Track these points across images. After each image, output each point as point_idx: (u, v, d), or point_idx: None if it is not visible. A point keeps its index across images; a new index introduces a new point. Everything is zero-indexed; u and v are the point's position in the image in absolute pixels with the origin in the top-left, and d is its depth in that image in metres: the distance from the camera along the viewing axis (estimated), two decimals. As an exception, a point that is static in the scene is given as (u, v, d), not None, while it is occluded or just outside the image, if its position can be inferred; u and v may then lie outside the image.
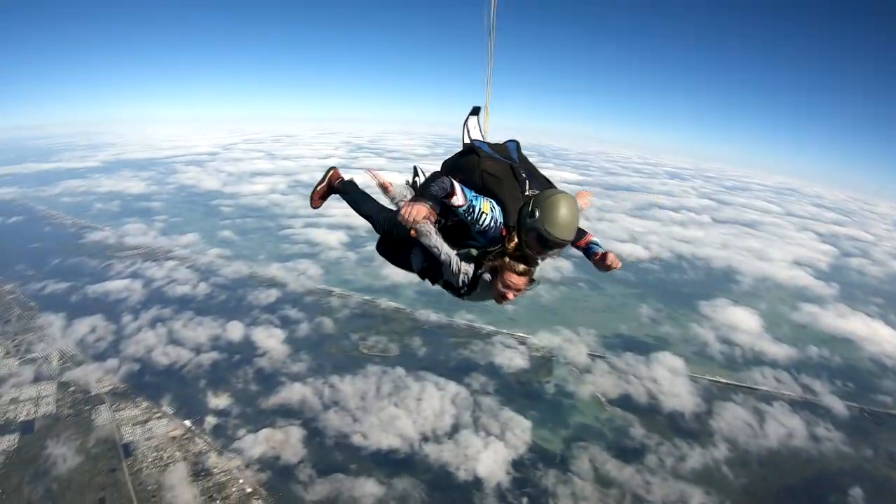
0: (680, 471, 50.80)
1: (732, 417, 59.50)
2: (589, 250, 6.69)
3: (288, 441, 50.86)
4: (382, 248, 7.12)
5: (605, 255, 6.42)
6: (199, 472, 46.84)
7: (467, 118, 7.65)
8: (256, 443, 50.37)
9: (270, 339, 69.82)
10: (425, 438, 52.05)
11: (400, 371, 62.61)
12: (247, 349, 67.71)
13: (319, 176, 7.58)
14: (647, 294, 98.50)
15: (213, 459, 48.49)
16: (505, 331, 75.88)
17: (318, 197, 7.53)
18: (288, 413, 55.52)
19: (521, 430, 54.32)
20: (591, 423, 58.09)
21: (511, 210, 5.86)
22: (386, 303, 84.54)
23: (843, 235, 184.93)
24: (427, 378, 61.30)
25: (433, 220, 5.61)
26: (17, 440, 49.93)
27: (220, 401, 57.13)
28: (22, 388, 58.19)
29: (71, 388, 58.41)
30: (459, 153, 6.93)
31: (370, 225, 7.08)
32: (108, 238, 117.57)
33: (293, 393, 58.44)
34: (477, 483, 47.20)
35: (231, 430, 52.55)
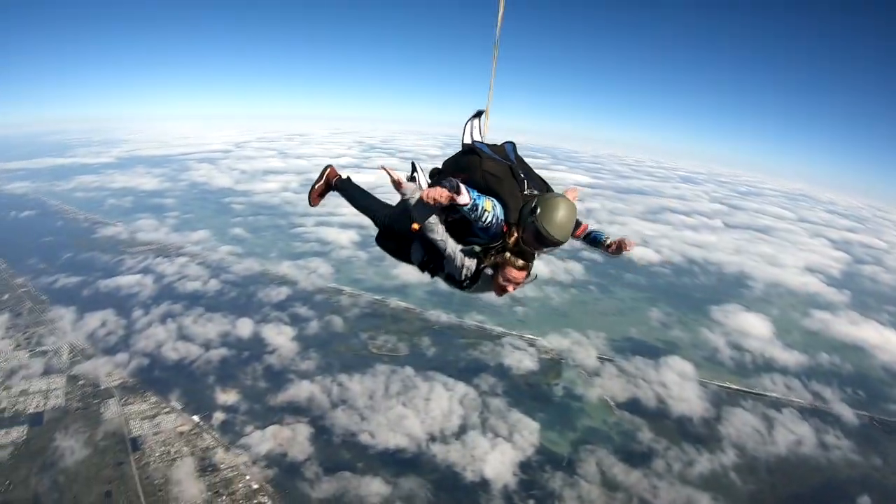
0: (687, 476, 50.53)
1: (741, 423, 59.17)
2: (595, 239, 7.06)
3: (295, 438, 50.98)
4: (382, 241, 7.35)
5: (619, 244, 6.76)
6: (206, 468, 46.99)
7: (470, 120, 7.75)
8: (264, 439, 50.55)
9: (280, 337, 70.04)
10: (433, 438, 52.05)
11: (409, 371, 62.64)
12: (256, 346, 67.91)
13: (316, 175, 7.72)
14: (657, 298, 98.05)
15: (220, 455, 48.63)
16: (514, 332, 75.71)
17: (317, 195, 7.70)
18: (296, 410, 55.65)
19: (528, 431, 54.22)
20: (599, 427, 57.90)
21: (511, 208, 6.12)
22: (396, 302, 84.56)
23: (856, 242, 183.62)
24: (436, 378, 61.30)
25: (445, 202, 5.66)
26: (25, 432, 50.28)
27: (228, 397, 57.30)
28: (32, 380, 58.58)
29: (80, 382, 58.76)
30: (460, 153, 7.17)
31: (370, 219, 7.34)
32: (120, 233, 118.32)
33: (301, 390, 58.57)
34: (484, 484, 47.13)
35: (239, 427, 52.70)
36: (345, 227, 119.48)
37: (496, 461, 49.44)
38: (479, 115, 7.76)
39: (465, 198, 5.71)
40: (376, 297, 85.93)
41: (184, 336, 68.78)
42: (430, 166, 7.53)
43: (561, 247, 6.13)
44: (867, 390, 70.84)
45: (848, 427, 61.44)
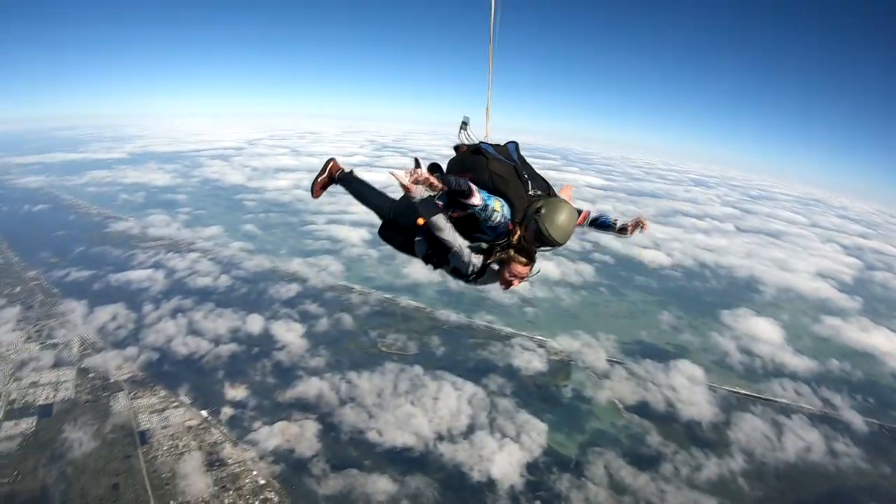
0: (695, 480, 50.30)
1: (750, 429, 58.85)
2: (603, 223, 7.70)
3: (303, 435, 51.05)
4: (385, 234, 7.58)
5: (635, 224, 7.51)
6: (213, 462, 47.13)
7: (459, 132, 7.90)
8: (272, 435, 50.64)
9: (289, 333, 70.21)
10: (440, 438, 52.02)
11: (418, 370, 62.64)
12: (266, 342, 68.09)
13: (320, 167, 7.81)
14: (668, 301, 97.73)
15: (227, 450, 48.76)
16: (524, 333, 75.62)
17: (319, 187, 7.75)
18: (304, 407, 55.76)
19: (536, 433, 54.10)
20: (608, 429, 57.73)
21: (517, 208, 6.41)
22: (406, 301, 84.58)
23: (867, 248, 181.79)
24: (444, 377, 61.27)
25: (437, 187, 5.89)
26: (34, 423, 50.65)
27: (237, 392, 57.48)
28: (42, 372, 58.98)
29: (90, 375, 59.12)
30: (466, 153, 7.32)
31: (373, 212, 7.57)
32: (131, 228, 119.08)
33: (310, 387, 58.65)
34: (490, 484, 47.06)
35: (247, 422, 52.86)
36: (356, 226, 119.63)
37: (503, 461, 49.35)
38: (464, 125, 7.87)
39: (476, 199, 6.01)
40: (386, 296, 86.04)
41: (194, 331, 69.10)
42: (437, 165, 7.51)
43: (561, 248, 6.51)
44: (877, 398, 70.30)
45: (857, 435, 60.98)
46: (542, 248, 6.57)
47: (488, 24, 7.36)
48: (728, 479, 51.05)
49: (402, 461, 48.98)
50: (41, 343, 65.00)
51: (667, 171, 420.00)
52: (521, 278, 6.69)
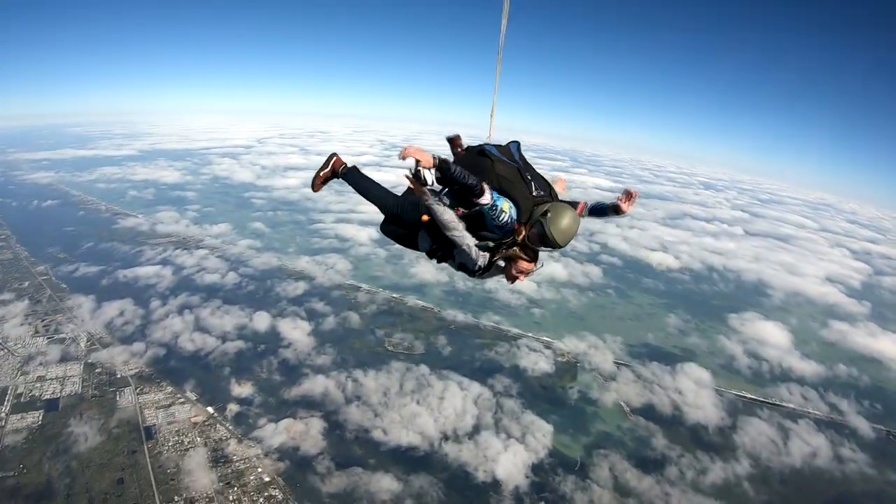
0: (700, 484, 50.17)
1: (756, 433, 58.61)
2: (599, 210, 7.78)
3: (308, 432, 51.13)
4: (387, 228, 7.79)
5: (627, 197, 7.48)
6: (218, 459, 47.23)
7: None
8: (277, 432, 50.74)
9: (296, 331, 70.31)
10: (445, 437, 52.02)
11: (424, 369, 62.65)
12: (272, 340, 68.22)
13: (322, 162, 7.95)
14: (675, 304, 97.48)
15: (233, 447, 48.88)
16: (531, 334, 75.58)
17: (321, 181, 7.83)
18: (310, 405, 55.85)
19: (542, 434, 54.01)
20: (613, 432, 57.64)
21: (523, 210, 6.77)
22: (413, 301, 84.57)
23: (876, 253, 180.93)
24: (451, 377, 61.26)
25: (432, 168, 6.50)
26: (41, 417, 50.87)
27: (243, 389, 57.59)
28: (49, 367, 59.23)
29: (97, 370, 59.33)
30: (471, 154, 7.55)
31: (375, 206, 7.71)
32: (140, 225, 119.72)
33: (316, 385, 58.74)
34: (495, 485, 47.02)
35: (252, 419, 53.00)
36: (364, 225, 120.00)
37: (508, 462, 49.29)
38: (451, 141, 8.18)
39: (487, 199, 6.45)
40: (394, 295, 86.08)
41: (201, 327, 69.32)
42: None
43: (566, 249, 6.95)
44: (884, 403, 69.84)
45: (864, 440, 60.68)
46: (544, 249, 6.88)
47: (497, 25, 7.44)
48: (733, 484, 50.89)
49: (406, 460, 48.99)
50: (49, 338, 65.24)
51: (677, 174, 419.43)
52: (527, 273, 7.09)
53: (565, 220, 6.52)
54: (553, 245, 6.61)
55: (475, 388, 60.00)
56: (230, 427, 51.62)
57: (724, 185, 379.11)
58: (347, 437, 51.44)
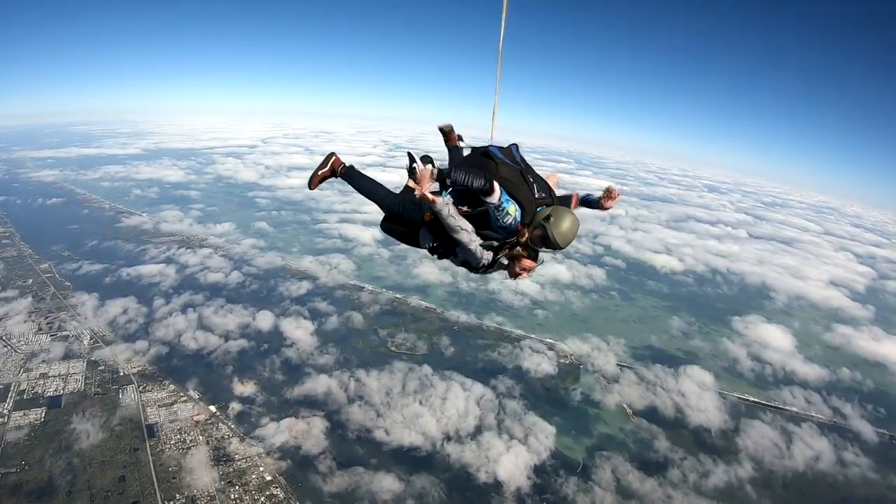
0: (702, 487, 50.08)
1: (759, 436, 58.50)
2: (590, 202, 8.04)
3: (310, 432, 51.15)
4: (387, 226, 7.86)
5: (607, 196, 7.74)
6: (220, 457, 47.28)
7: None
8: (279, 431, 50.78)
9: (299, 331, 70.38)
10: (448, 438, 52.00)
11: (427, 369, 62.66)
12: (275, 339, 68.29)
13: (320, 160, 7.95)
14: (679, 307, 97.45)
15: (234, 445, 48.92)
16: (534, 336, 75.56)
17: (318, 180, 7.87)
18: (312, 404, 55.90)
19: (544, 435, 53.97)
20: (616, 434, 57.59)
21: (527, 212, 6.94)
22: (416, 301, 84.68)
23: (881, 257, 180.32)
24: (453, 378, 61.26)
25: (434, 173, 6.84)
26: (43, 414, 51.00)
27: (245, 388, 57.66)
28: (52, 364, 59.34)
29: (100, 367, 59.48)
30: (475, 156, 7.67)
31: (376, 204, 7.75)
32: (144, 223, 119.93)
33: (318, 384, 58.77)
34: (497, 486, 47.00)
35: (255, 418, 53.09)
36: (367, 225, 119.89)
37: (510, 463, 49.26)
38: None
39: (495, 198, 6.56)
40: (397, 296, 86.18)
41: (204, 326, 69.39)
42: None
43: (568, 250, 7.34)
44: (888, 408, 69.65)
45: (867, 444, 60.50)
46: (545, 250, 7.11)
47: (498, 26, 7.51)
48: (736, 487, 50.80)
49: (408, 460, 49.01)
50: (52, 335, 65.39)
51: (680, 177, 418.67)
52: (529, 271, 7.28)
53: (567, 223, 6.74)
54: (554, 247, 6.81)
55: (478, 388, 59.97)
56: (232, 426, 51.70)
57: (727, 188, 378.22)
58: (349, 437, 51.48)
